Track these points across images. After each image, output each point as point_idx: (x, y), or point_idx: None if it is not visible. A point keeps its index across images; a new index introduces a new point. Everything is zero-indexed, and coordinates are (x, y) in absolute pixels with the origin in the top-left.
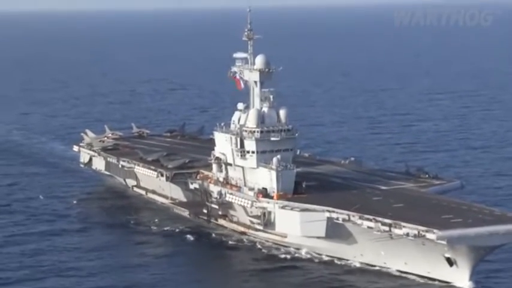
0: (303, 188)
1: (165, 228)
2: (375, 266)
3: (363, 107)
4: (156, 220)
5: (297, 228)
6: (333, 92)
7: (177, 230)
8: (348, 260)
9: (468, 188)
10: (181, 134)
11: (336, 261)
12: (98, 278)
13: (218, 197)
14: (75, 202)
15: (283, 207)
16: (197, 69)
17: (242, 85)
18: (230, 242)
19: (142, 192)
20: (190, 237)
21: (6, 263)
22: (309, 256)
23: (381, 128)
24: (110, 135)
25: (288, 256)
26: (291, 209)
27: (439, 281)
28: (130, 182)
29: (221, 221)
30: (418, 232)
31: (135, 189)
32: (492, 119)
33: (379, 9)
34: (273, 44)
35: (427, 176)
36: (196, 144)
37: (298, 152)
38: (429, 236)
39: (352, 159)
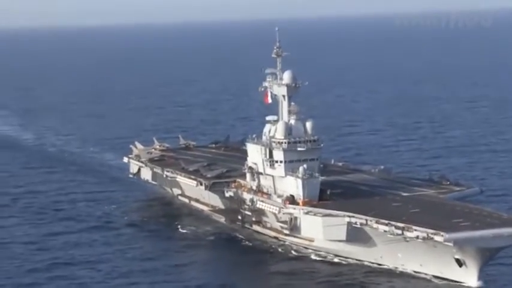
0: (327, 195)
1: (197, 230)
2: (394, 267)
3: (402, 114)
4: (191, 224)
5: (320, 232)
6: (375, 100)
7: (208, 232)
8: (369, 262)
9: (487, 193)
10: (225, 146)
11: (358, 263)
12: (123, 268)
13: (250, 204)
14: (114, 207)
15: (307, 213)
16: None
17: (270, 100)
18: (255, 243)
19: (186, 200)
20: (218, 238)
21: (42, 257)
22: (333, 259)
23: (415, 134)
24: (158, 147)
25: (313, 258)
26: (314, 215)
27: (451, 281)
28: (176, 191)
29: (255, 227)
30: (427, 235)
31: (180, 197)
32: None
33: (380, 18)
34: (316, 53)
35: (448, 182)
36: (237, 154)
37: (332, 162)
38: (437, 238)
39: (382, 167)
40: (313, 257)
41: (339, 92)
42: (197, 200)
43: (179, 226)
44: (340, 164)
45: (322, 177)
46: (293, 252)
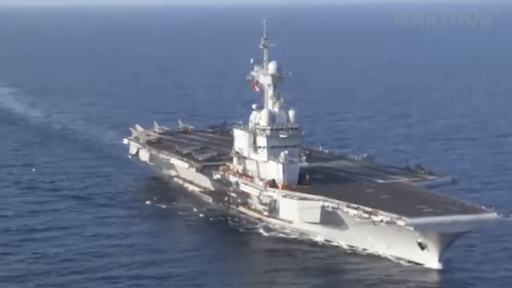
0: (307, 180)
1: (181, 206)
2: (364, 249)
3: (394, 103)
4: (179, 201)
5: (296, 214)
6: (373, 89)
7: (194, 210)
8: (342, 244)
9: (458, 181)
10: (220, 130)
11: (332, 244)
12: (105, 240)
13: (235, 187)
14: (108, 183)
15: (285, 196)
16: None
17: (257, 88)
18: (236, 222)
19: (181, 181)
20: (202, 215)
21: (30, 222)
22: (309, 240)
23: (404, 123)
24: (157, 129)
25: (290, 238)
26: (291, 198)
27: (415, 263)
28: (172, 173)
29: (241, 208)
30: (391, 219)
31: (175, 179)
32: None
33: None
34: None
35: (423, 171)
36: (231, 140)
37: (320, 148)
38: (399, 222)
39: (365, 155)
40: (290, 237)
41: (337, 80)
42: (190, 182)
43: (167, 202)
44: (326, 151)
45: (305, 164)
46: (271, 232)
